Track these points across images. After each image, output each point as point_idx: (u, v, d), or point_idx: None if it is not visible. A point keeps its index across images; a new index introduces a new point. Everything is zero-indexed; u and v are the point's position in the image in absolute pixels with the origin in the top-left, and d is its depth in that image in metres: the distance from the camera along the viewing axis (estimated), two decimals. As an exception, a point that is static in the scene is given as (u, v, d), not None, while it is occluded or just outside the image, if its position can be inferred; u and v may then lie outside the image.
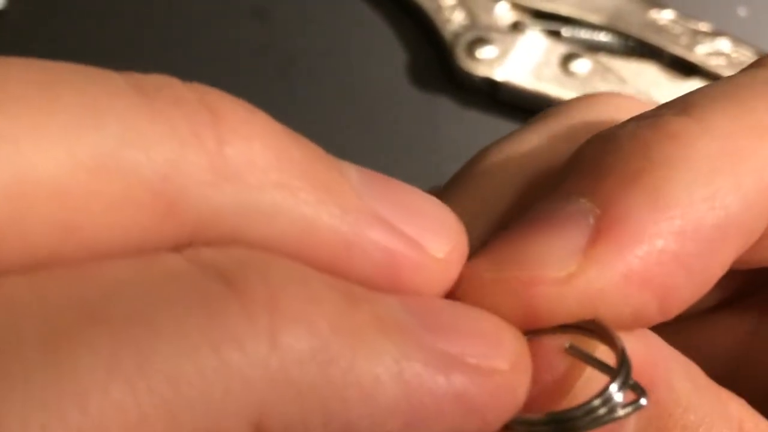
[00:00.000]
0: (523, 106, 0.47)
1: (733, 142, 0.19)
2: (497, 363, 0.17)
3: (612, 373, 0.18)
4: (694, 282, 0.19)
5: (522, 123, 0.24)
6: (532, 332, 0.19)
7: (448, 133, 0.48)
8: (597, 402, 0.17)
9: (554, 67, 0.48)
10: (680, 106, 0.20)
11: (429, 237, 0.18)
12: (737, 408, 0.20)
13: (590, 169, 0.20)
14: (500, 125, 0.47)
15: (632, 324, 0.19)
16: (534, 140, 0.23)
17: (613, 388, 0.17)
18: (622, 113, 0.22)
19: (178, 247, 0.15)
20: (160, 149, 0.15)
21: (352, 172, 0.18)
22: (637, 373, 0.18)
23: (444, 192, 0.23)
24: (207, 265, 0.15)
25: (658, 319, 0.19)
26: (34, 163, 0.14)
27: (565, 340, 0.19)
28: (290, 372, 0.14)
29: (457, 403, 0.16)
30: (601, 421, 0.17)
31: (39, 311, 0.14)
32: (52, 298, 0.14)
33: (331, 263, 0.16)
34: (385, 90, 0.49)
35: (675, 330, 0.21)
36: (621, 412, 0.17)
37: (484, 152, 0.23)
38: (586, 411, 0.17)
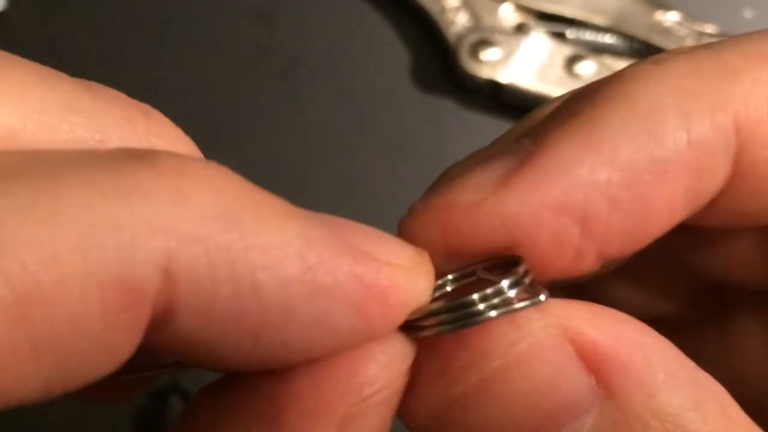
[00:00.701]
0: (527, 109, 0.47)
1: (688, 81, 0.19)
2: (397, 260, 0.18)
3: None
4: (626, 215, 0.19)
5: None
6: (462, 268, 0.20)
7: (452, 135, 0.48)
8: (489, 291, 0.18)
9: (558, 69, 0.47)
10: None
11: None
12: None
13: (548, 114, 0.20)
14: (504, 127, 0.47)
15: (555, 250, 0.19)
16: None
17: (504, 283, 0.18)
18: None
19: None
20: (97, 120, 0.18)
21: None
22: (609, 368, 0.18)
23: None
24: (127, 149, 0.17)
25: (590, 247, 0.19)
26: None
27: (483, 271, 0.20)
28: (195, 226, 0.16)
29: (357, 282, 0.17)
30: (494, 309, 0.18)
31: None
32: None
33: None
34: (388, 92, 0.49)
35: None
36: (517, 305, 0.18)
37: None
38: (480, 298, 0.18)
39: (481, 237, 0.19)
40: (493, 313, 0.18)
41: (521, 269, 0.19)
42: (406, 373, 0.19)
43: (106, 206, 0.15)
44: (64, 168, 0.15)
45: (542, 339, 0.18)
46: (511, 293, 0.18)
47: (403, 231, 0.20)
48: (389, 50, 0.50)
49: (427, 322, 0.19)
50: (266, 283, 0.16)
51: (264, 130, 0.47)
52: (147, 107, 0.19)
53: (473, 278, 0.20)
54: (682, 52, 0.20)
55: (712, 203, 0.20)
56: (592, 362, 0.18)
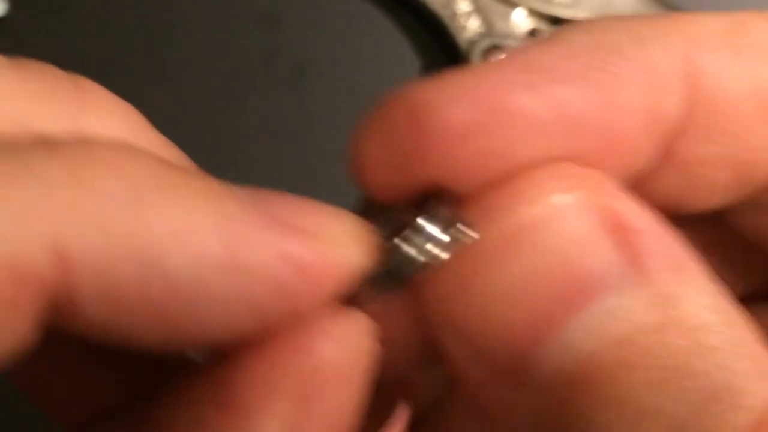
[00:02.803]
0: (540, 116, 0.46)
1: (635, 20, 0.19)
2: (330, 232, 0.17)
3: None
4: (598, 110, 0.18)
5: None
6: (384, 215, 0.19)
7: (463, 143, 0.47)
8: (410, 233, 0.17)
9: (572, 75, 0.47)
10: None
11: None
12: None
13: None
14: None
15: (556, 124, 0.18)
16: None
17: (423, 222, 0.17)
18: None
19: None
20: (15, 101, 0.16)
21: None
22: (641, 245, 0.17)
23: None
24: (38, 136, 0.16)
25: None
26: None
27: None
28: (89, 207, 0.15)
29: (284, 262, 0.16)
30: (424, 253, 0.17)
31: None
32: None
33: None
34: (398, 98, 0.48)
35: None
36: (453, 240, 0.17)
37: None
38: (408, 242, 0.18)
39: (470, 101, 0.18)
40: (444, 255, 0.17)
41: (438, 201, 0.18)
42: (371, 352, 0.18)
43: None
44: None
45: (575, 200, 0.18)
46: (437, 232, 0.17)
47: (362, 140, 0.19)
48: (399, 55, 0.49)
49: (369, 291, 0.18)
50: (178, 267, 0.15)
51: (271, 135, 0.47)
52: (81, 80, 0.18)
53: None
54: None
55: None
56: (622, 238, 0.17)
